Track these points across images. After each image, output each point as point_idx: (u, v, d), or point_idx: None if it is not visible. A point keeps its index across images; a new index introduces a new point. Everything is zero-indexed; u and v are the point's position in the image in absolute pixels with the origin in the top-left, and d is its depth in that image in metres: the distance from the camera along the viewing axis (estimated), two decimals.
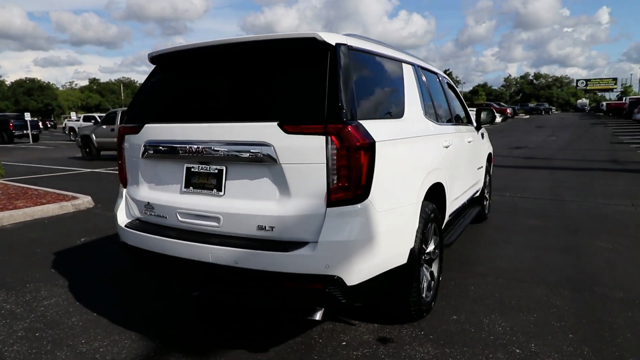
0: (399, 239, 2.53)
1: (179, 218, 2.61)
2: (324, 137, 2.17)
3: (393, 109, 2.80)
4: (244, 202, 2.40)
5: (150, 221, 2.78)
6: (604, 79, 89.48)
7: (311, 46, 2.32)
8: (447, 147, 3.49)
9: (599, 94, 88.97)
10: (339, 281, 2.19)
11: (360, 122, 2.25)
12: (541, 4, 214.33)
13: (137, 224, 2.82)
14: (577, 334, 2.89)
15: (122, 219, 2.93)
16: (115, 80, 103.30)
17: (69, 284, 3.93)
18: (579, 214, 6.22)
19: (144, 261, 2.82)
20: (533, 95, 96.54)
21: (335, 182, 2.19)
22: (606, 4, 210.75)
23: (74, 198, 7.33)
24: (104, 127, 14.53)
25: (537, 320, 3.09)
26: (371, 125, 2.32)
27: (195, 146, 2.50)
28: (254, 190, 2.39)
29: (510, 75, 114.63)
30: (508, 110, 42.68)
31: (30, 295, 3.66)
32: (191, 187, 2.60)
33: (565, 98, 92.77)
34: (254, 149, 2.31)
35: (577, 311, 3.21)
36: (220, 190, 2.49)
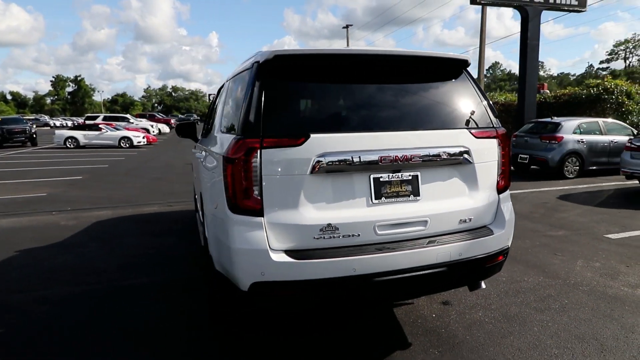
0: None
1: (377, 232, 2.42)
2: (495, 140, 2.78)
3: None
4: (444, 202, 2.60)
5: (334, 245, 2.34)
6: None
7: (461, 65, 2.81)
8: None
9: None
10: (508, 250, 2.86)
11: None
12: (158, 20, 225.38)
13: (316, 253, 2.30)
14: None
15: (278, 255, 2.27)
16: None
17: None
18: None
19: (331, 292, 2.33)
20: (174, 107, 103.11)
21: (500, 174, 2.83)
22: (215, 29, 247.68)
23: None
24: None
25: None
26: None
27: (390, 155, 2.43)
28: (447, 190, 2.64)
29: (149, 87, 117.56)
30: (172, 121, 44.34)
31: None
32: (383, 198, 2.46)
33: (202, 110, 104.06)
34: (454, 152, 2.59)
35: None
36: (418, 195, 2.54)
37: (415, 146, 2.51)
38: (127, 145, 22.91)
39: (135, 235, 5.68)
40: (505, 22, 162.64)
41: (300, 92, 2.48)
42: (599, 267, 4.35)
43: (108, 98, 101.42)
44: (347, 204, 2.43)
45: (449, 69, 2.82)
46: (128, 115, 36.14)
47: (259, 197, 2.31)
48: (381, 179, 2.49)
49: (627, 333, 3.03)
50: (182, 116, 69.66)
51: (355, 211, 2.43)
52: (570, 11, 13.30)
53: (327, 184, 2.40)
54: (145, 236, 5.63)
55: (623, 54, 70.66)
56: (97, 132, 23.18)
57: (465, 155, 2.64)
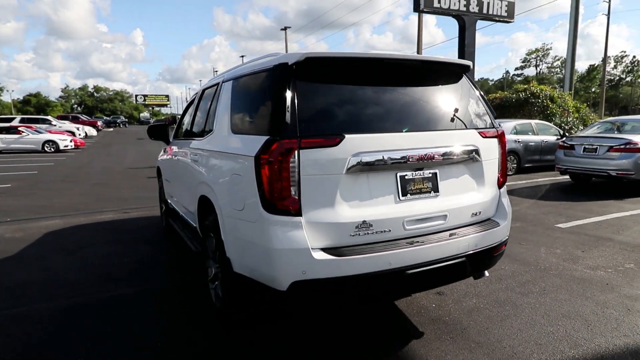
0: None
1: (405, 227, 2.53)
2: (496, 140, 3.01)
3: None
4: (459, 197, 2.78)
5: (369, 241, 2.41)
6: (159, 95, 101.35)
7: (466, 69, 3.01)
8: None
9: (156, 108, 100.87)
10: (507, 240, 3.11)
11: None
12: (74, 15, 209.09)
13: (353, 249, 2.35)
14: None
15: (318, 253, 2.30)
16: None
17: None
18: None
19: (368, 287, 2.40)
20: (96, 108, 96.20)
21: (499, 170, 3.07)
22: (139, 26, 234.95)
23: None
24: None
25: None
26: None
27: (416, 154, 2.55)
28: (460, 186, 2.81)
29: (67, 86, 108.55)
30: (99, 123, 41.51)
31: None
32: (408, 195, 2.57)
33: (129, 112, 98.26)
34: (467, 151, 2.77)
35: None
36: (437, 191, 2.69)
37: (437, 145, 2.66)
38: (53, 149, 21.13)
39: (101, 245, 5.31)
40: (429, 29, 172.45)
41: (330, 94, 2.52)
42: (560, 253, 4.83)
43: (19, 98, 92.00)
44: (378, 201, 2.52)
45: (456, 72, 3.01)
46: (50, 117, 33.21)
47: (297, 197, 2.32)
48: (406, 177, 2.60)
49: (602, 309, 3.42)
50: (108, 118, 65.37)
51: (386, 208, 2.53)
52: (500, 21, 14.50)
53: (360, 183, 2.47)
54: (114, 245, 5.28)
55: (534, 62, 77.98)
56: (16, 136, 21.11)
57: (475, 154, 2.84)
